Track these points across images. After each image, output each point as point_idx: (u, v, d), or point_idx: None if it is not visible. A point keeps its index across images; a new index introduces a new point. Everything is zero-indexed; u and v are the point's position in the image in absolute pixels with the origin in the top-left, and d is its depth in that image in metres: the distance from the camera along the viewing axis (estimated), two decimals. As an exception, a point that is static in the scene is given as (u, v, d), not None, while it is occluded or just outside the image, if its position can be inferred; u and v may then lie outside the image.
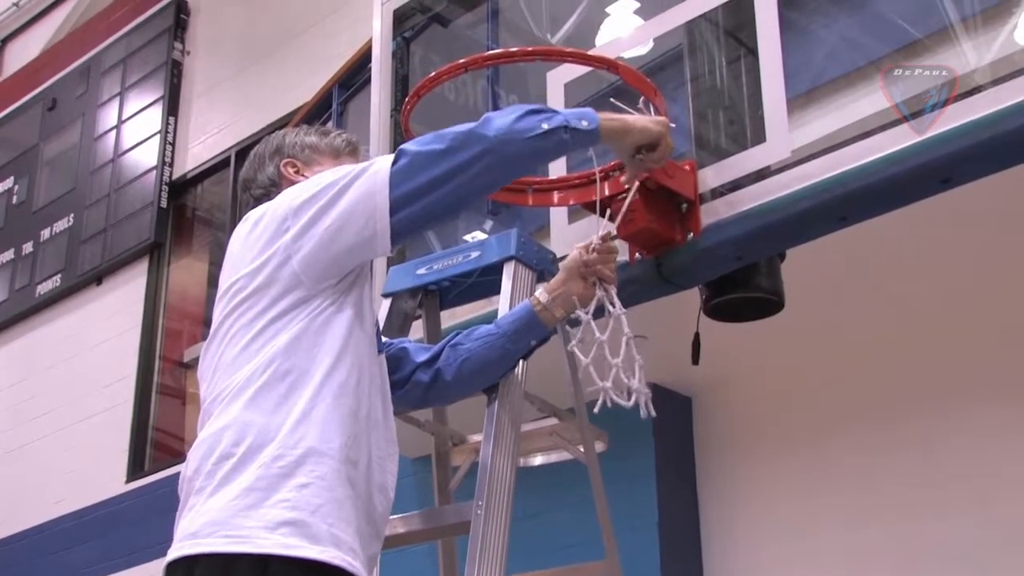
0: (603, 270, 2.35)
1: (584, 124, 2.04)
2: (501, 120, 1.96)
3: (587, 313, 2.31)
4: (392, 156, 1.97)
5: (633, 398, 2.30)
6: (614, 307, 2.33)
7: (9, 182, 9.09)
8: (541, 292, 2.37)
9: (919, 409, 4.52)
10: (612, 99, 2.38)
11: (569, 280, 2.35)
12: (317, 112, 5.74)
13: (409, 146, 1.97)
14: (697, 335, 3.20)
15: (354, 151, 2.29)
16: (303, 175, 2.20)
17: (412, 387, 2.33)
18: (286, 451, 1.84)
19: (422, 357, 2.34)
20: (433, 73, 2.62)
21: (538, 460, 3.05)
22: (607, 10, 4.15)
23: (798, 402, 4.87)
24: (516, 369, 2.51)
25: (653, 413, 2.28)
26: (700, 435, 5.19)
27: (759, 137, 2.79)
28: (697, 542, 5.03)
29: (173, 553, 1.83)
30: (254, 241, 2.01)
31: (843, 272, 4.12)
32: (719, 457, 5.09)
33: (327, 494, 1.83)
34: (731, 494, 5.00)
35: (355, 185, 1.94)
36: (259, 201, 2.22)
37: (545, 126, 1.98)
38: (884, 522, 4.50)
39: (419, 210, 1.95)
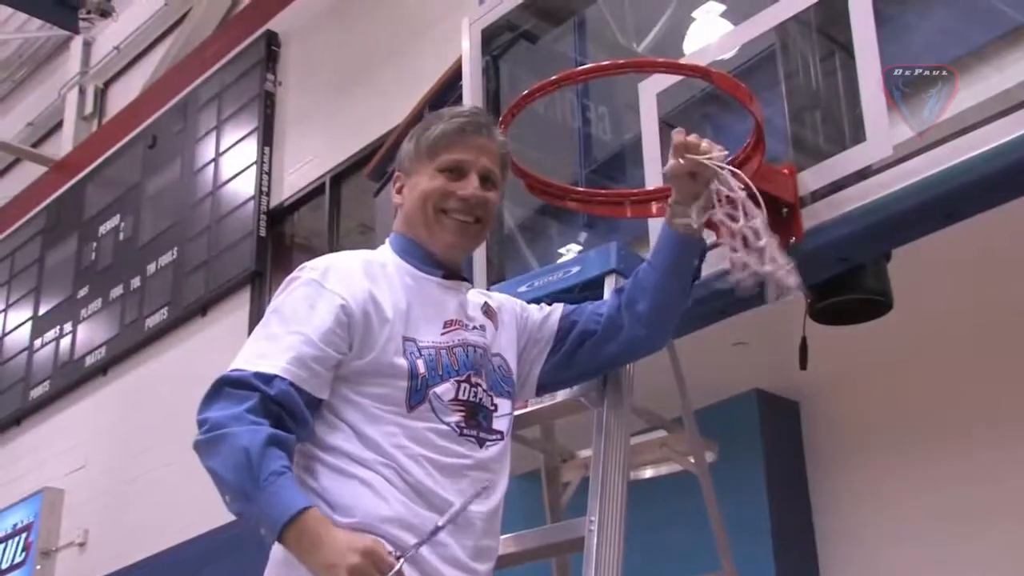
0: (708, 160, 2.25)
1: (264, 534, 1.86)
2: (230, 456, 1.83)
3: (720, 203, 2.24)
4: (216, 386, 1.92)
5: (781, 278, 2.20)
6: (734, 191, 2.26)
7: (116, 220, 9.35)
8: (669, 213, 2.30)
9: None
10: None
11: (682, 186, 2.29)
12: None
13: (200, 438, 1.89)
14: (804, 339, 3.14)
15: (434, 153, 2.12)
16: (403, 194, 2.17)
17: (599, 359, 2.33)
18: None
19: (593, 326, 2.30)
20: (526, 91, 2.62)
21: (648, 473, 3.05)
22: (693, 15, 4.12)
23: (908, 402, 4.77)
24: (623, 382, 2.50)
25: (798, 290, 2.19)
26: (809, 439, 5.12)
27: (858, 136, 2.73)
28: (812, 548, 4.96)
29: None
30: None
31: (951, 270, 4.02)
32: (830, 461, 5.02)
33: None
34: (844, 498, 4.92)
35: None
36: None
37: (227, 499, 1.86)
38: (1005, 523, 4.38)
39: None
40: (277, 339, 1.94)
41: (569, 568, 2.79)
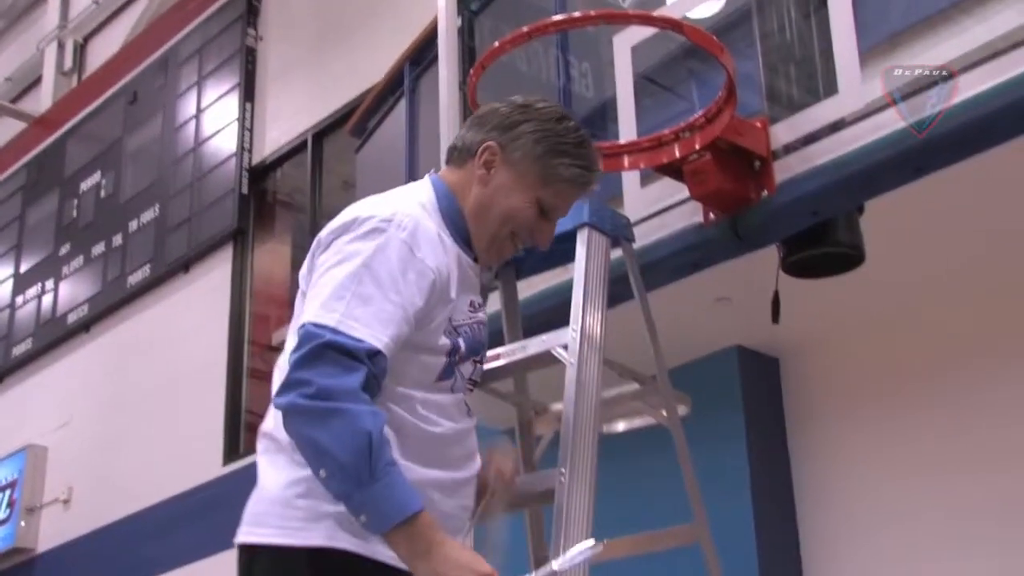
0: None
1: (362, 519, 1.76)
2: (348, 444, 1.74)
3: None
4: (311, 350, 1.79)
5: None
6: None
7: (97, 176, 9.29)
8: None
9: (1009, 357, 4.42)
10: None
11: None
12: (391, 90, 5.75)
13: (301, 400, 1.77)
14: (776, 293, 3.16)
15: (550, 184, 2.02)
16: (492, 169, 2.03)
17: None
18: None
19: None
20: (497, 43, 2.61)
21: (621, 426, 3.05)
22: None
23: (886, 357, 4.79)
24: (596, 335, 2.50)
25: None
26: (789, 395, 5.14)
27: (832, 91, 2.73)
28: (791, 503, 4.99)
29: (238, 537, 1.93)
30: None
31: (926, 222, 4.02)
32: (809, 417, 5.04)
33: None
34: (823, 453, 4.94)
35: None
36: (448, 155, 2.11)
37: (325, 475, 1.76)
38: (979, 474, 4.42)
39: None
40: (374, 304, 1.84)
41: (542, 519, 2.81)
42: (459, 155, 2.08)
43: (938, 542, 4.48)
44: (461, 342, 1.97)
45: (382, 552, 1.83)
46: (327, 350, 1.78)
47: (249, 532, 1.91)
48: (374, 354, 1.81)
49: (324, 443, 1.75)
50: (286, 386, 1.79)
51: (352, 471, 1.73)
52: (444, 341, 1.95)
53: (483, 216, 2.04)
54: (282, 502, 1.87)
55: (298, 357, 1.79)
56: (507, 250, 2.08)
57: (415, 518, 1.75)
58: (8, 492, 8.83)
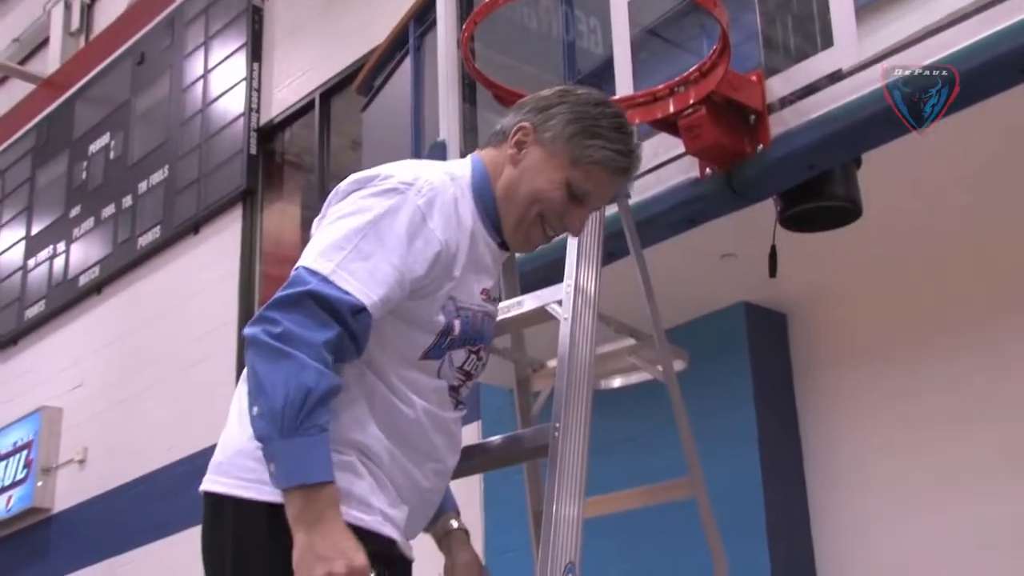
0: None
1: (271, 467, 1.76)
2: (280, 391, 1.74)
3: None
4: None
5: None
6: None
7: (106, 138, 9.30)
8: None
9: (1015, 306, 4.40)
10: None
11: None
12: (396, 48, 5.72)
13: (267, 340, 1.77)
14: (773, 247, 3.15)
15: (579, 165, 1.99)
16: (523, 149, 2.02)
17: None
18: None
19: None
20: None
21: (617, 382, 3.04)
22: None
23: (893, 311, 4.77)
24: (590, 289, 2.50)
25: None
26: (796, 350, 5.13)
27: (828, 43, 2.70)
28: (799, 459, 5.00)
29: (203, 485, 1.93)
30: None
31: (929, 174, 3.99)
32: (817, 373, 5.03)
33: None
34: (830, 407, 4.94)
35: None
36: (488, 138, 2.10)
37: (255, 413, 1.75)
38: (988, 429, 4.41)
39: None
40: (372, 261, 1.83)
41: (540, 474, 2.81)
42: (496, 137, 2.07)
43: (945, 492, 4.49)
44: (457, 324, 1.94)
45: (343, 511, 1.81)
46: (308, 299, 1.78)
47: (213, 481, 1.91)
48: (359, 311, 1.80)
49: (265, 382, 1.75)
50: (258, 318, 1.80)
51: (278, 417, 1.73)
52: (439, 318, 1.92)
53: (511, 196, 2.02)
54: (246, 453, 1.87)
55: (279, 296, 1.80)
56: (536, 235, 2.05)
57: (320, 487, 1.74)
58: (24, 453, 8.92)
